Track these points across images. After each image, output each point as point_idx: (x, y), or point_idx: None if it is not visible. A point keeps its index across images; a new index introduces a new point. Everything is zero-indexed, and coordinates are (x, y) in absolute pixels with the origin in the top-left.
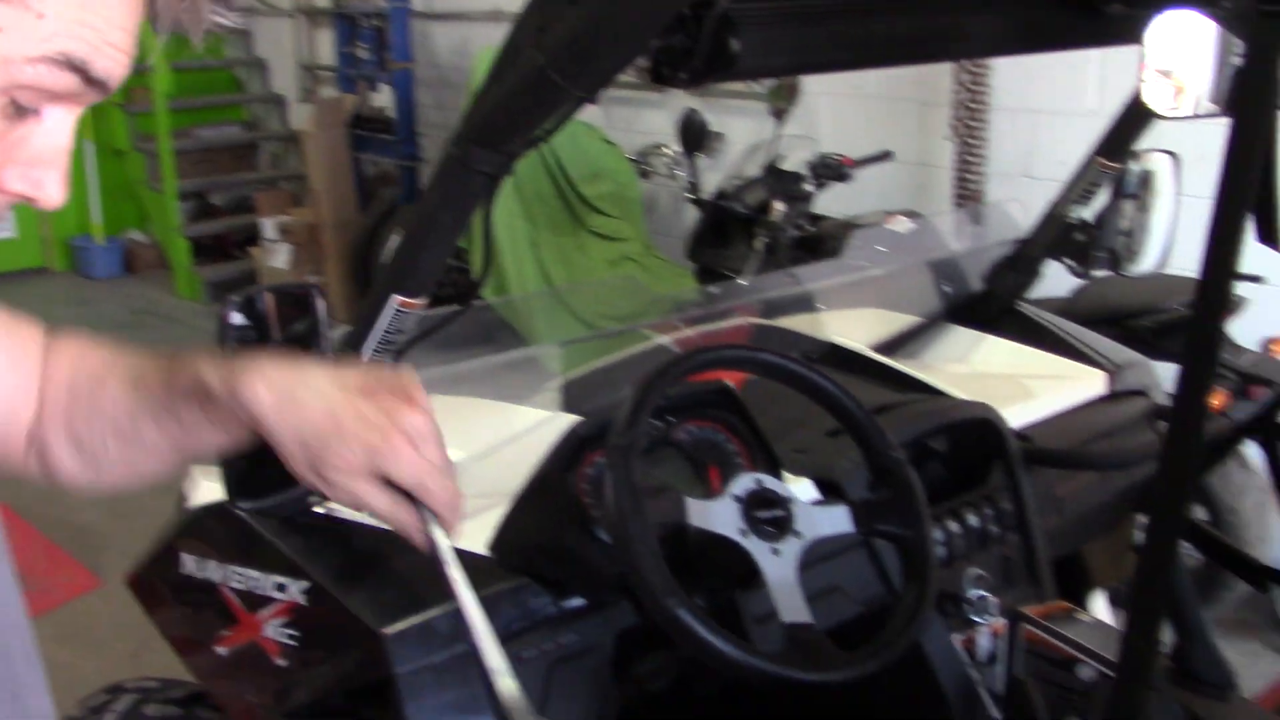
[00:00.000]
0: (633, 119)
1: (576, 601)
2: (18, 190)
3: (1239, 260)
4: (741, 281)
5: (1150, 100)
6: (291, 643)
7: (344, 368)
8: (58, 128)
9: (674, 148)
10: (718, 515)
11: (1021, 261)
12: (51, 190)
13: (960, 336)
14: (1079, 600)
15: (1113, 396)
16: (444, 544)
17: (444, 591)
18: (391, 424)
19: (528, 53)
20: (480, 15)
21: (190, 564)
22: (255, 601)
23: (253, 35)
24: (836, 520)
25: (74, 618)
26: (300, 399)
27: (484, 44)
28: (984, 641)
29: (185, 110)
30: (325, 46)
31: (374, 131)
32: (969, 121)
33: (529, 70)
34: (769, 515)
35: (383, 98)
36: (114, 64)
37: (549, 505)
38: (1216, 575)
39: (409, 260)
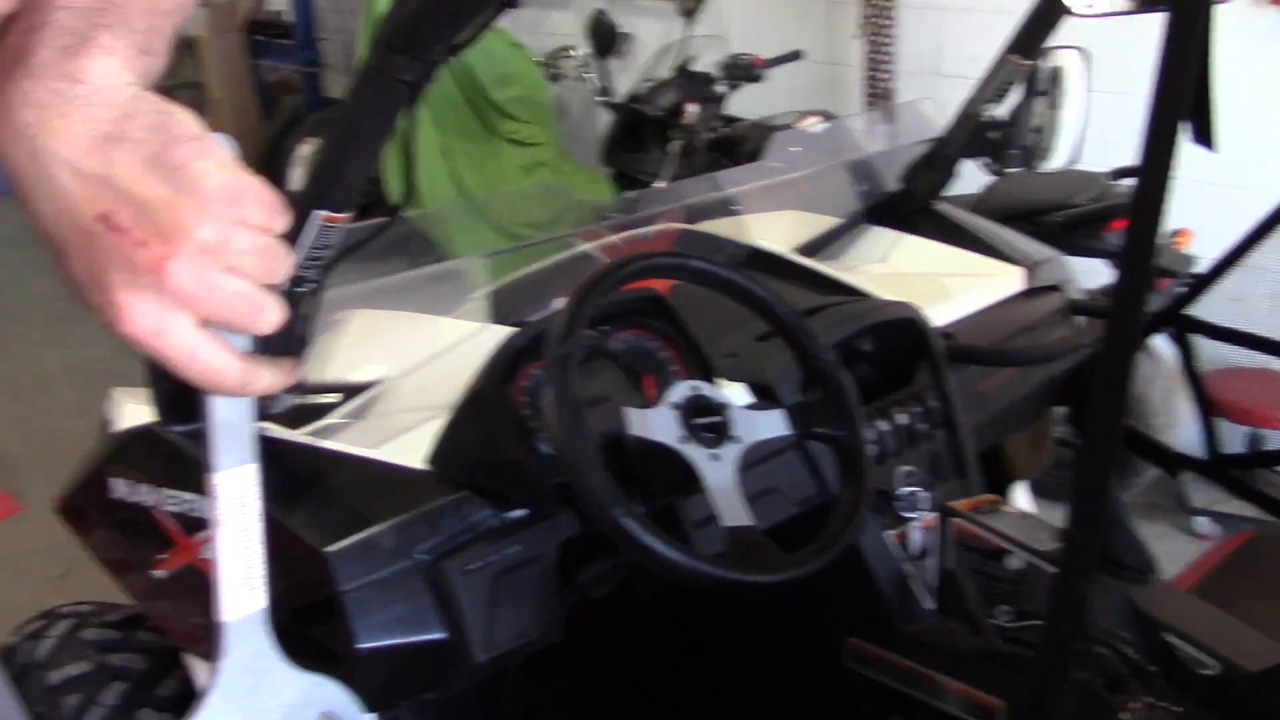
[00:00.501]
0: (539, 21)
1: (519, 513)
2: None
3: (1175, 160)
4: (660, 185)
5: None
6: None
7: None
8: None
9: (583, 50)
10: (656, 423)
11: (937, 160)
12: None
13: (879, 237)
14: (1001, 491)
15: (1029, 293)
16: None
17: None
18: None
19: None
20: None
21: (121, 488)
22: (191, 524)
23: None
24: (773, 424)
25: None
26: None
27: None
28: (916, 536)
29: None
30: None
31: (272, 37)
32: (877, 19)
33: None
34: (707, 422)
35: (279, 1)
36: None
37: (487, 418)
38: (1127, 461)
39: (331, 174)
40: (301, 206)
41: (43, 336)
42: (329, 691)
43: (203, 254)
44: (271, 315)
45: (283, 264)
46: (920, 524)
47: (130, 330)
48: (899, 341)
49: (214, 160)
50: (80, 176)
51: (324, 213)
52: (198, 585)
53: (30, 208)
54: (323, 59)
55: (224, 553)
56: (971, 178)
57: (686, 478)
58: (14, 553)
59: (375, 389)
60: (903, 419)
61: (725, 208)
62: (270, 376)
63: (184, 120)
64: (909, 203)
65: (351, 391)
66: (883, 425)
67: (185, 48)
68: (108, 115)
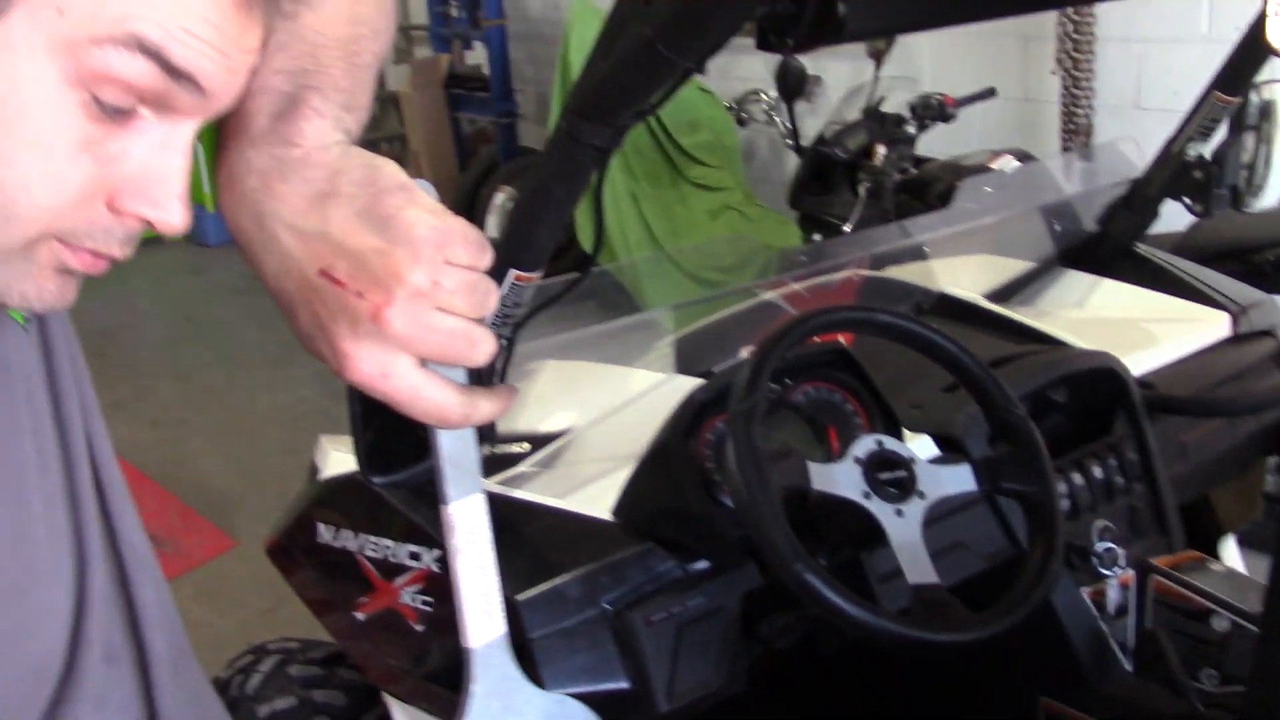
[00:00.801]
0: (728, 65)
1: (702, 564)
2: (131, 211)
3: None
4: (846, 229)
5: (1274, 39)
6: (427, 609)
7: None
8: (168, 140)
9: (771, 94)
10: (840, 478)
11: (1137, 201)
12: (165, 212)
13: (1076, 281)
14: (1208, 547)
15: (1237, 338)
16: (453, 451)
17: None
18: (396, 265)
19: (634, 26)
20: None
21: (326, 533)
22: (390, 569)
23: None
24: (959, 479)
25: (211, 578)
26: (269, 235)
27: None
28: (1113, 594)
29: None
30: (418, 6)
31: (470, 90)
32: (1074, 54)
33: (636, 43)
34: (891, 476)
35: (477, 55)
36: (201, 57)
37: (671, 470)
38: None
39: (523, 235)
40: (496, 267)
41: (258, 379)
42: (571, 708)
43: (416, 298)
44: (485, 348)
45: (491, 298)
46: (1117, 581)
47: (357, 376)
48: (1095, 391)
49: (420, 207)
50: (300, 235)
51: (516, 272)
52: (396, 628)
53: (258, 267)
54: (518, 110)
55: (463, 581)
56: (1174, 217)
57: (871, 533)
58: (226, 586)
59: (563, 439)
60: (1099, 472)
61: (914, 252)
62: (489, 405)
63: (390, 172)
64: (1107, 245)
65: (540, 441)
66: (1077, 478)
67: (389, 103)
68: (321, 175)
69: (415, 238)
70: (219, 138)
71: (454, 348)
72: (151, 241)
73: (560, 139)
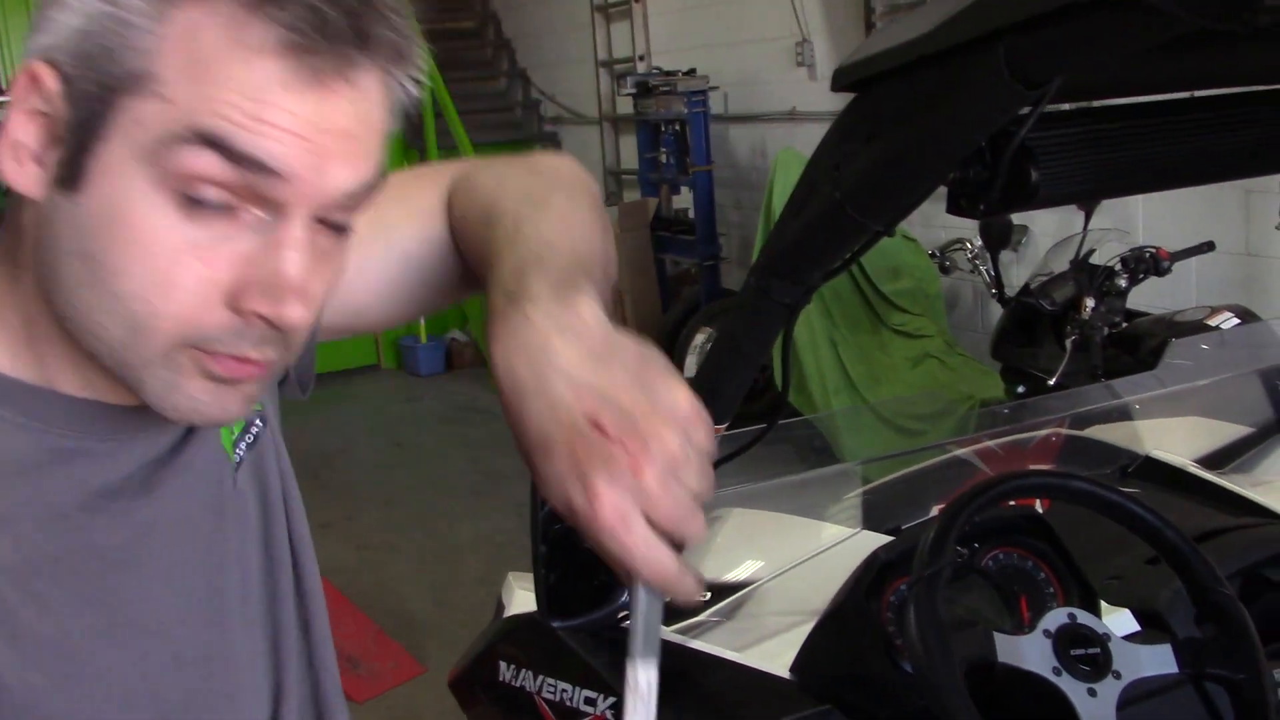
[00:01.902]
0: (932, 214)
1: None
2: (249, 308)
3: None
4: (1050, 384)
5: None
6: None
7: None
8: (276, 234)
9: (976, 243)
10: (1028, 651)
11: None
12: (281, 307)
13: None
14: None
15: None
16: (649, 613)
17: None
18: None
19: (824, 189)
20: (777, 116)
21: (506, 671)
22: (567, 713)
23: (562, 142)
24: (1159, 660)
25: (400, 703)
26: (532, 388)
27: (781, 144)
28: None
29: None
30: (629, 151)
31: (675, 232)
32: None
33: (826, 206)
34: (1084, 653)
35: (683, 199)
36: (270, 142)
37: (852, 632)
38: None
39: (712, 386)
40: None
41: (461, 507)
42: None
43: (670, 461)
44: (699, 526)
45: (711, 481)
46: None
47: (602, 518)
48: None
49: (682, 387)
50: (574, 384)
51: None
52: None
53: (521, 409)
54: (722, 253)
55: None
56: None
57: (1062, 713)
58: (415, 712)
59: (746, 590)
60: None
61: (1120, 411)
62: (692, 583)
63: (657, 353)
64: None
65: (723, 591)
66: None
67: None
68: (599, 340)
69: (678, 409)
70: (489, 295)
71: (681, 516)
72: (369, 369)
73: (750, 295)
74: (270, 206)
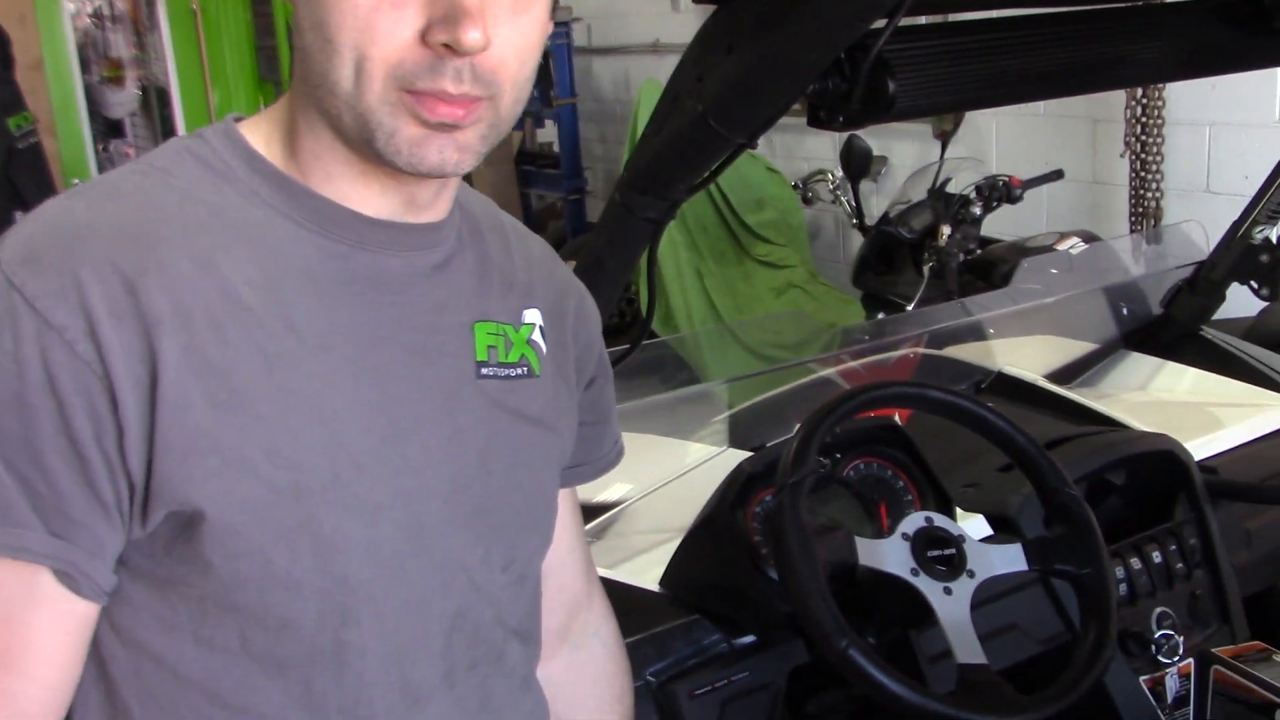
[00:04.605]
0: (794, 145)
1: (748, 638)
2: (434, 40)
3: None
4: (909, 308)
5: None
6: None
7: None
8: None
9: (837, 173)
10: (888, 554)
11: (1201, 285)
12: (461, 30)
13: (1139, 364)
14: (1276, 639)
15: None
16: None
17: None
18: None
19: (687, 101)
20: (640, 49)
21: None
22: None
23: None
24: (1010, 559)
25: None
26: None
27: (645, 76)
28: (1172, 683)
29: None
30: None
31: (540, 166)
32: (1144, 137)
33: (689, 118)
34: (940, 554)
35: (547, 133)
36: None
37: (719, 543)
38: None
39: None
40: None
41: None
42: None
43: None
44: None
45: None
46: (1177, 671)
47: None
48: (1156, 475)
49: None
50: None
51: None
52: None
53: None
54: (587, 186)
55: None
56: (1244, 302)
57: (919, 611)
58: None
59: (615, 509)
60: (1158, 557)
61: (974, 332)
62: None
63: None
64: (1171, 329)
65: (593, 511)
66: (1135, 563)
67: (463, 179)
68: None
69: None
70: None
71: None
72: None
73: (614, 211)
74: None
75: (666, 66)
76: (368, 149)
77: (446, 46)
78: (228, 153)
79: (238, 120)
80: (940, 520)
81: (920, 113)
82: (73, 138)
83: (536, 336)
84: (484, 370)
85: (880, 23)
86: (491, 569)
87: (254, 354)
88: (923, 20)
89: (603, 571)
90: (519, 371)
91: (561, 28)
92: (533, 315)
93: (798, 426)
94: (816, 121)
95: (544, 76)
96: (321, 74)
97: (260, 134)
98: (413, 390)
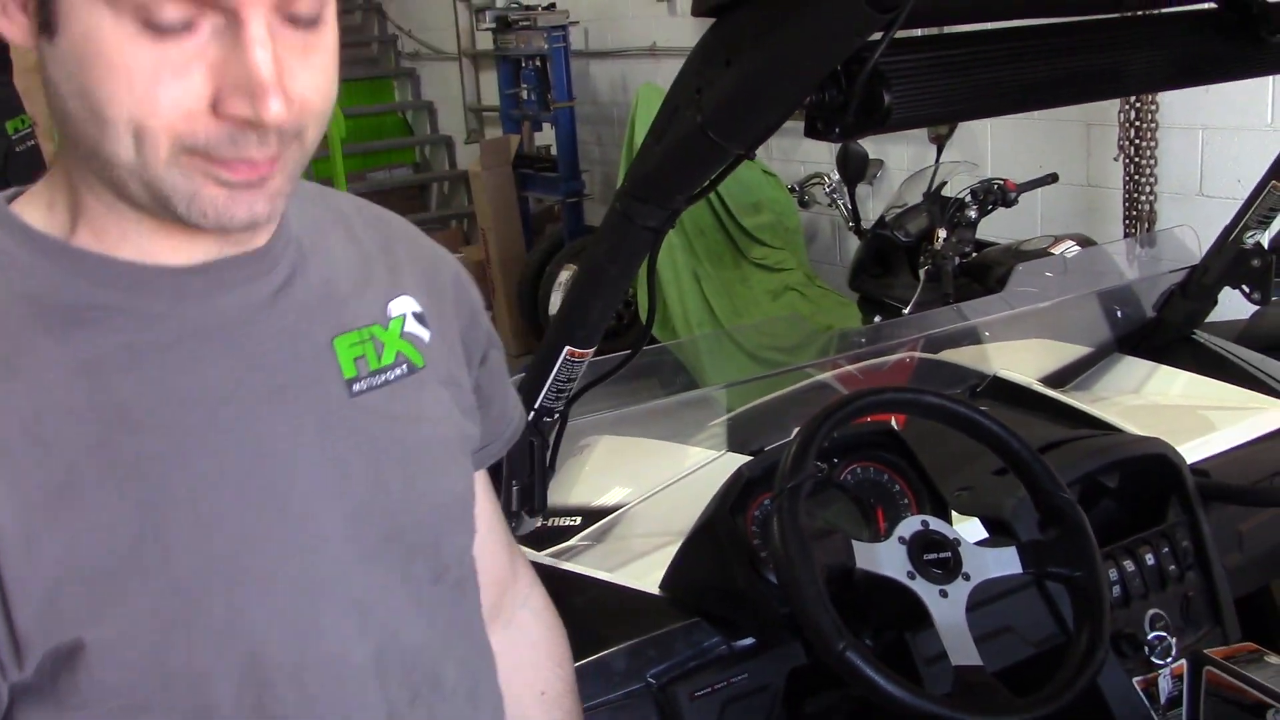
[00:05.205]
0: (791, 149)
1: (747, 640)
2: (230, 113)
3: None
4: (904, 312)
5: None
6: None
7: None
8: (238, 37)
9: (833, 177)
10: (884, 557)
11: (1195, 289)
12: (260, 104)
13: (1132, 367)
14: (1268, 640)
15: None
16: None
17: None
18: None
19: (686, 112)
20: (637, 52)
21: None
22: None
23: (421, 79)
24: (1005, 561)
25: None
26: None
27: (642, 80)
28: (1165, 684)
29: (359, 154)
30: (490, 88)
31: (538, 169)
32: (1137, 141)
33: (688, 129)
34: (936, 557)
35: (545, 136)
36: None
37: (718, 546)
38: None
39: (578, 313)
40: (551, 343)
41: None
42: None
43: None
44: None
45: None
46: (1170, 672)
47: None
48: (1148, 478)
49: None
50: None
51: (569, 348)
52: None
53: None
54: (585, 190)
55: None
56: (1237, 306)
57: (915, 613)
58: None
59: (615, 514)
60: (1151, 559)
61: (969, 336)
62: None
63: None
64: (1164, 332)
65: (593, 515)
66: (1128, 565)
67: (460, 181)
68: None
69: None
70: None
71: None
72: None
73: (615, 220)
74: (225, 11)
75: (663, 70)
76: (165, 213)
77: (244, 119)
78: (2, 236)
79: (13, 199)
80: (936, 524)
81: (915, 124)
82: None
83: (412, 326)
84: (356, 387)
85: (876, 36)
86: (419, 588)
87: (91, 465)
88: (918, 32)
89: (604, 575)
90: (398, 373)
91: (559, 31)
92: (402, 304)
93: (796, 431)
94: (814, 132)
95: (542, 80)
96: (93, 145)
97: (41, 206)
98: (278, 439)
